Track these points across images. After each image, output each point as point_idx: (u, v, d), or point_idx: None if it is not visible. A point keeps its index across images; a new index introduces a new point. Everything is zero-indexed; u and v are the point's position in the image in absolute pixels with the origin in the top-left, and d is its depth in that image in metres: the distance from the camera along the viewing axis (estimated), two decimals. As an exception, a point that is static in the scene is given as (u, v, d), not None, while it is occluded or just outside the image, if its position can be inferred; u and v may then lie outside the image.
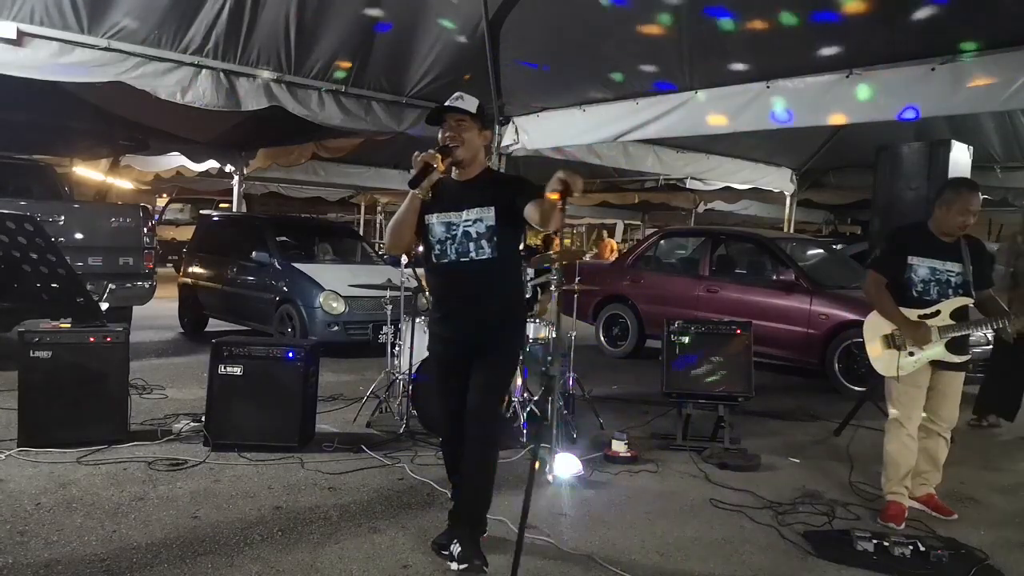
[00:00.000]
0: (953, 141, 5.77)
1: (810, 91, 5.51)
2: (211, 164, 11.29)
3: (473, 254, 3.17)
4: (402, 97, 6.98)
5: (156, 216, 13.52)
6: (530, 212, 3.01)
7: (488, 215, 3.16)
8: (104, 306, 5.06)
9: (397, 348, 5.73)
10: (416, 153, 3.13)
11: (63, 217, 7.25)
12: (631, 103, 6.62)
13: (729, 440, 5.16)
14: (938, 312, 3.93)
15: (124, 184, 14.27)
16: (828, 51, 5.30)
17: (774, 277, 8.11)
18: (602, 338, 9.42)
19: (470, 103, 3.20)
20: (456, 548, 3.14)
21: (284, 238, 9.18)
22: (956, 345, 3.93)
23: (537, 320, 5.68)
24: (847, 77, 5.27)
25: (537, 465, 2.91)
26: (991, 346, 6.26)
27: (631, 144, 8.80)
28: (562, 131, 7.33)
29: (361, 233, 16.15)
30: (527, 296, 5.57)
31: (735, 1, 5.32)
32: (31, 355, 4.45)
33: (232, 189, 11.43)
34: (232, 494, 3.93)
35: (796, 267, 7.99)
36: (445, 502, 3.76)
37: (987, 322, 4.02)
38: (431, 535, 3.44)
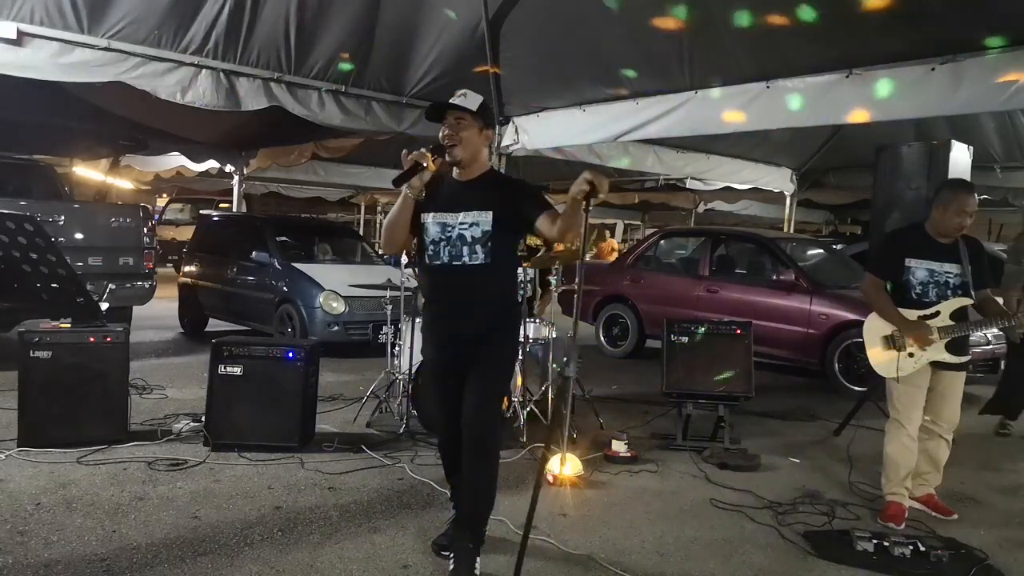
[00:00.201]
0: (953, 141, 5.76)
1: (813, 90, 5.52)
2: (211, 164, 11.28)
3: (466, 258, 3.05)
4: (402, 97, 6.98)
5: (156, 216, 13.51)
6: (544, 227, 2.91)
7: (485, 219, 3.05)
8: (104, 306, 5.06)
9: (397, 348, 5.73)
10: (405, 151, 3.04)
11: (63, 217, 7.25)
12: (631, 103, 6.61)
13: (729, 440, 5.16)
14: (937, 313, 3.93)
15: (124, 184, 14.28)
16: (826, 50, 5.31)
17: (774, 277, 8.11)
18: (602, 338, 9.41)
19: (472, 101, 3.07)
20: (451, 566, 3.05)
21: (284, 238, 9.19)
22: (956, 346, 3.93)
23: (537, 320, 5.68)
24: (847, 77, 5.29)
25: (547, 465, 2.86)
26: (1000, 346, 6.22)
27: (631, 144, 8.79)
28: (562, 131, 7.32)
29: (361, 233, 16.16)
30: (527, 296, 5.56)
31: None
32: (31, 355, 4.44)
33: (232, 189, 11.42)
34: (232, 494, 3.93)
35: (796, 267, 7.99)
36: (445, 502, 3.76)
37: (987, 323, 4.02)
38: (431, 535, 3.44)
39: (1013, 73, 4.55)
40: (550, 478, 4.26)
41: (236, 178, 11.21)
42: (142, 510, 3.66)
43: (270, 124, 7.89)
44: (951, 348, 3.91)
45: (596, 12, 5.86)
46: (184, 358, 7.77)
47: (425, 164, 2.97)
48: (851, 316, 7.06)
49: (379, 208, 23.51)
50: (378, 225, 24.73)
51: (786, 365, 8.06)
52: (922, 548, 3.44)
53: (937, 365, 3.95)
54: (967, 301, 3.94)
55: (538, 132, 7.44)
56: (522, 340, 5.25)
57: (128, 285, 7.48)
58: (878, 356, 4.03)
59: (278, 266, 8.36)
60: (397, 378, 5.66)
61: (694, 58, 5.90)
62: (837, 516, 4.02)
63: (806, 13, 5.12)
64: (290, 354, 4.75)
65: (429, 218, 3.12)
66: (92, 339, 4.60)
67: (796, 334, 7.59)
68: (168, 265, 16.76)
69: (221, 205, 16.59)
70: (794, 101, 5.62)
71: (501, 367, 3.22)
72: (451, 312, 3.15)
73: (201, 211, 14.28)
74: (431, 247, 3.12)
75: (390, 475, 4.37)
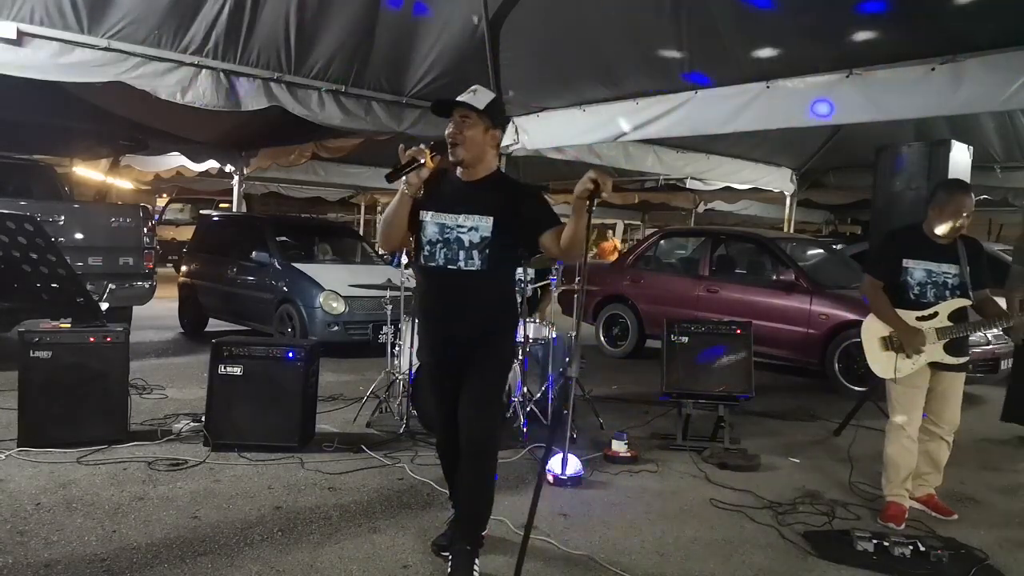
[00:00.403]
0: (953, 141, 5.76)
1: (814, 90, 5.51)
2: (211, 164, 11.28)
3: (462, 263, 2.94)
4: (402, 97, 6.98)
5: (156, 216, 13.51)
6: (549, 244, 2.83)
7: (485, 225, 2.93)
8: (104, 306, 5.06)
9: (397, 348, 5.73)
10: (402, 146, 2.93)
11: (63, 217, 7.25)
12: (631, 103, 6.62)
13: (729, 440, 5.16)
14: (936, 314, 3.93)
15: (124, 184, 14.29)
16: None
17: (774, 277, 8.10)
18: (602, 338, 9.41)
19: (480, 98, 2.92)
20: (449, 568, 3.03)
21: (284, 238, 9.18)
22: (955, 347, 3.92)
23: (537, 321, 5.68)
24: (847, 77, 5.29)
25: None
26: (1000, 346, 6.20)
27: (631, 144, 8.80)
28: (562, 131, 7.33)
29: (361, 233, 16.15)
30: (527, 296, 5.56)
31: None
32: (31, 355, 4.44)
33: (232, 189, 11.41)
34: (232, 494, 3.93)
35: (796, 267, 7.99)
36: (445, 502, 3.76)
37: (986, 324, 4.02)
38: (431, 535, 3.44)
39: (1013, 73, 4.56)
40: (550, 478, 4.27)
41: (236, 178, 11.20)
42: (142, 510, 3.66)
43: (270, 124, 7.90)
44: (949, 349, 3.91)
45: (596, 12, 5.86)
46: (184, 358, 7.77)
47: (423, 160, 2.86)
48: (851, 316, 7.06)
49: (379, 208, 23.47)
50: (378, 225, 24.75)
51: (786, 365, 8.06)
52: (922, 548, 3.44)
53: (936, 366, 3.94)
54: (965, 302, 3.94)
55: (538, 132, 7.44)
56: (522, 340, 5.26)
57: (128, 285, 7.48)
58: (876, 357, 4.03)
59: (278, 266, 8.36)
60: (397, 378, 5.66)
61: (694, 58, 5.90)
62: (837, 516, 4.02)
63: (806, 13, 5.13)
64: (290, 354, 4.75)
65: (428, 217, 3.01)
66: (92, 339, 4.60)
67: (796, 334, 7.59)
68: (168, 265, 16.76)
69: (221, 205, 16.58)
70: (795, 101, 5.63)
71: (498, 370, 3.13)
72: (445, 315, 3.06)
73: (201, 211, 14.27)
74: (427, 247, 3.01)
75: (390, 475, 4.37)
